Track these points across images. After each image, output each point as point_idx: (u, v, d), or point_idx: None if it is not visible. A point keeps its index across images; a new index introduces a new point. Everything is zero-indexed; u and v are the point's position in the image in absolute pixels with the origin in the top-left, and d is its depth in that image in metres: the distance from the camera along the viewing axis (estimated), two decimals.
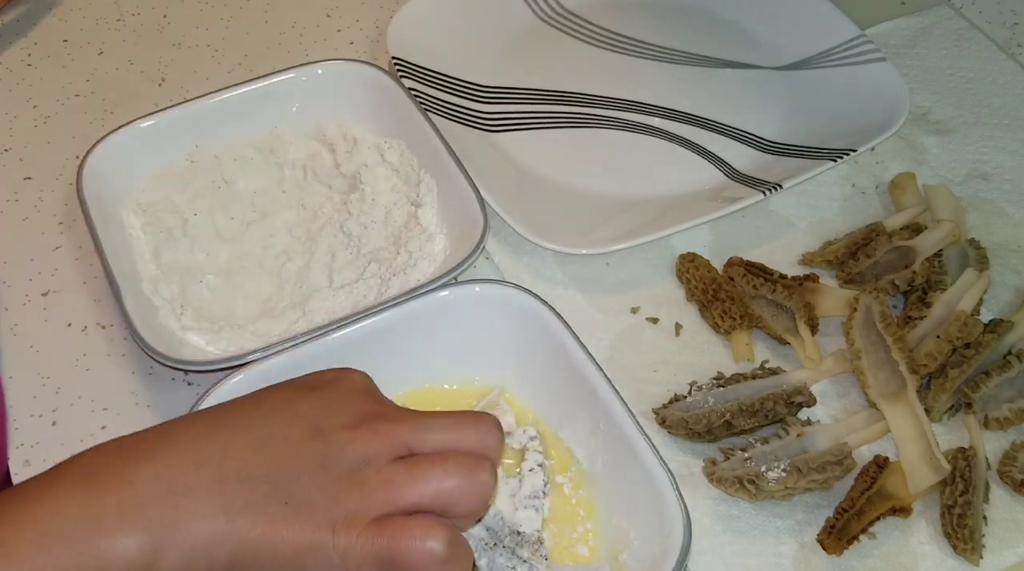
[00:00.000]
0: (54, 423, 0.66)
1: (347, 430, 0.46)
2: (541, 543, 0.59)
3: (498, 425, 0.50)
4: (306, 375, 0.51)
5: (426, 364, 0.65)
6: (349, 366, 0.52)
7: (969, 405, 0.66)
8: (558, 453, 0.64)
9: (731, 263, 0.73)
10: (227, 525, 0.43)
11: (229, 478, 0.44)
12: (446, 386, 0.66)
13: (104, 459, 0.46)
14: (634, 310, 0.72)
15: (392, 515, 0.45)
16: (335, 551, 0.44)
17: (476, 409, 0.65)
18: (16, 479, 0.63)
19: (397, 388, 0.65)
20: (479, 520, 0.59)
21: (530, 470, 0.62)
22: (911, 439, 0.63)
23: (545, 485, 0.62)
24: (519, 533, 0.59)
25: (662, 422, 0.65)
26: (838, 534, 0.60)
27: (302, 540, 0.44)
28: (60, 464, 0.46)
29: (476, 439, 0.48)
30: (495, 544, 0.59)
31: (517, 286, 0.65)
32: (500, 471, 0.62)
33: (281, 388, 0.50)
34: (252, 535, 0.44)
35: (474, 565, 0.58)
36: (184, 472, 0.44)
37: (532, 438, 0.63)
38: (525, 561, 0.58)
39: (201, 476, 0.44)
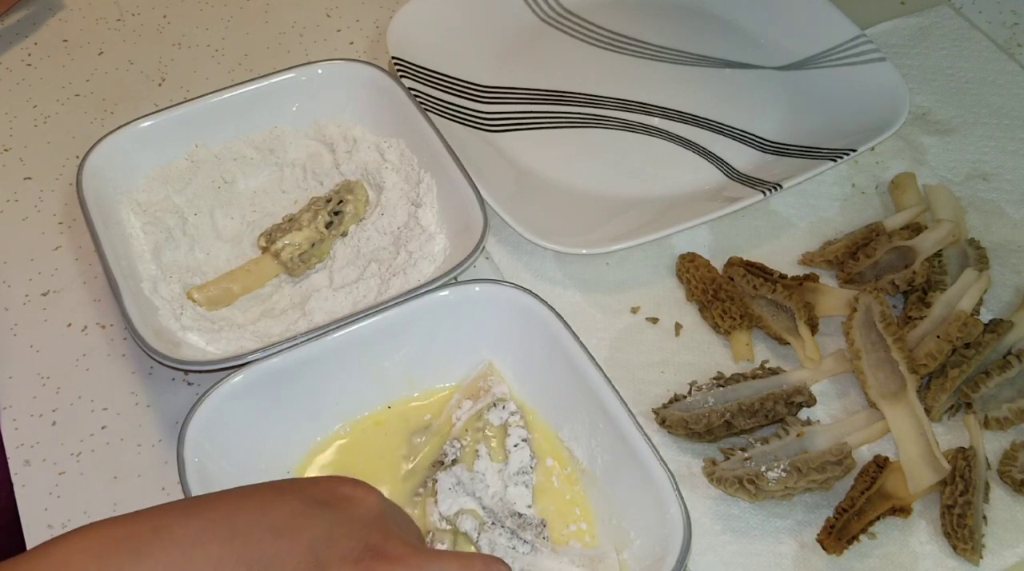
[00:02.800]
0: (54, 423, 0.66)
1: (346, 565, 0.44)
2: (544, 526, 0.59)
3: None
4: (320, 482, 0.48)
5: (426, 364, 0.65)
6: (369, 487, 0.48)
7: (969, 405, 0.66)
8: (558, 453, 0.64)
9: (731, 263, 0.73)
10: None
11: None
12: (446, 385, 0.66)
13: (88, 560, 0.42)
14: (634, 310, 0.72)
15: None
16: None
17: (466, 384, 0.65)
18: (16, 479, 0.63)
19: (397, 388, 0.65)
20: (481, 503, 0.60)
21: (515, 446, 0.62)
22: (911, 439, 0.63)
23: (532, 459, 0.62)
24: (520, 515, 0.60)
25: (662, 422, 0.65)
26: (838, 534, 0.60)
27: None
28: (41, 550, 0.42)
29: None
30: (493, 523, 0.59)
31: (517, 286, 0.65)
32: (485, 450, 0.63)
33: (291, 494, 0.46)
34: None
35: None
36: None
37: (512, 413, 0.64)
38: (527, 542, 0.58)
39: None
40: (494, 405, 0.64)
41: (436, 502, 0.60)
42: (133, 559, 0.41)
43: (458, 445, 0.63)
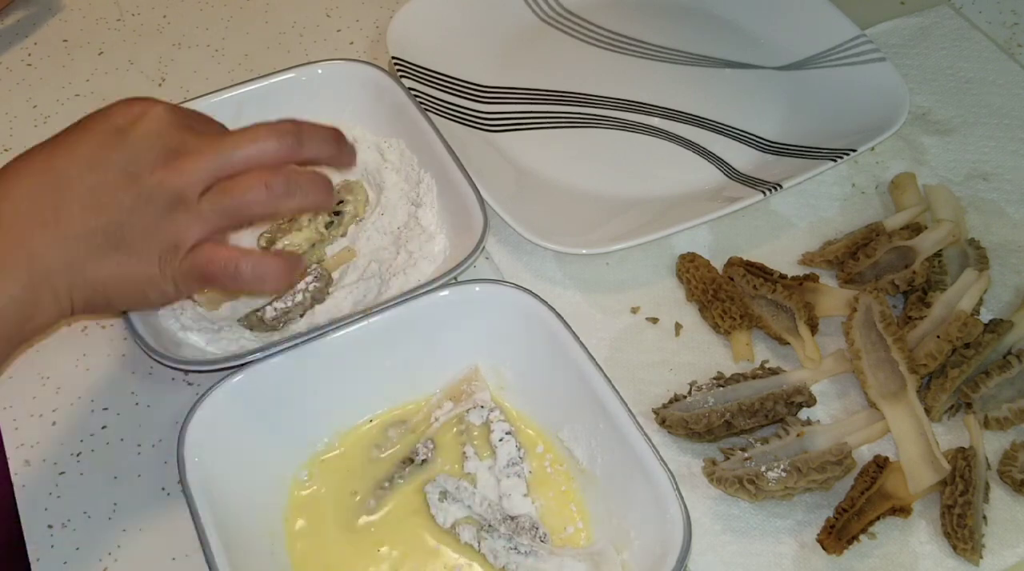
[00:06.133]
0: (54, 423, 0.66)
1: (155, 172, 0.52)
2: (537, 527, 0.59)
3: (294, 129, 0.54)
4: (111, 110, 0.54)
5: (426, 364, 0.65)
6: (153, 99, 0.55)
7: (969, 405, 0.66)
8: (558, 453, 0.64)
9: (731, 263, 0.73)
10: (78, 276, 0.52)
11: (69, 235, 0.51)
12: (441, 388, 0.66)
13: None
14: (634, 310, 0.72)
15: (204, 241, 0.53)
16: (164, 280, 0.53)
17: (450, 385, 0.66)
18: (16, 479, 0.63)
19: (398, 388, 0.65)
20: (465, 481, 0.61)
21: (500, 440, 0.63)
22: (911, 439, 0.63)
23: (519, 450, 0.62)
24: (514, 518, 0.60)
25: (662, 422, 0.65)
26: (838, 534, 0.60)
27: (136, 276, 0.53)
28: None
29: (278, 149, 0.54)
30: (490, 528, 0.59)
31: (517, 286, 0.65)
32: (471, 451, 0.63)
33: (90, 130, 0.54)
34: (98, 279, 0.52)
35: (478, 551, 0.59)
36: (32, 236, 0.51)
37: (492, 410, 0.64)
38: (525, 544, 0.58)
39: (47, 237, 0.51)
40: (472, 407, 0.64)
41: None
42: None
43: (431, 445, 0.63)
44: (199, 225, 0.53)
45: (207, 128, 0.56)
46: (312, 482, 0.62)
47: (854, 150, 0.76)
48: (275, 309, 0.67)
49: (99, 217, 0.52)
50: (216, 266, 0.53)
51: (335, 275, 0.71)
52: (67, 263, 0.52)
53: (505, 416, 0.64)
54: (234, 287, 0.54)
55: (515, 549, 0.58)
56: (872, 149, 0.80)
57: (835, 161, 0.75)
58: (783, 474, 0.61)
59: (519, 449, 0.63)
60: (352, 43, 0.90)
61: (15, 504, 0.62)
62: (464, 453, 0.63)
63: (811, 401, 0.65)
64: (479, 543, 0.59)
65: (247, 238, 0.74)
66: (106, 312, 0.57)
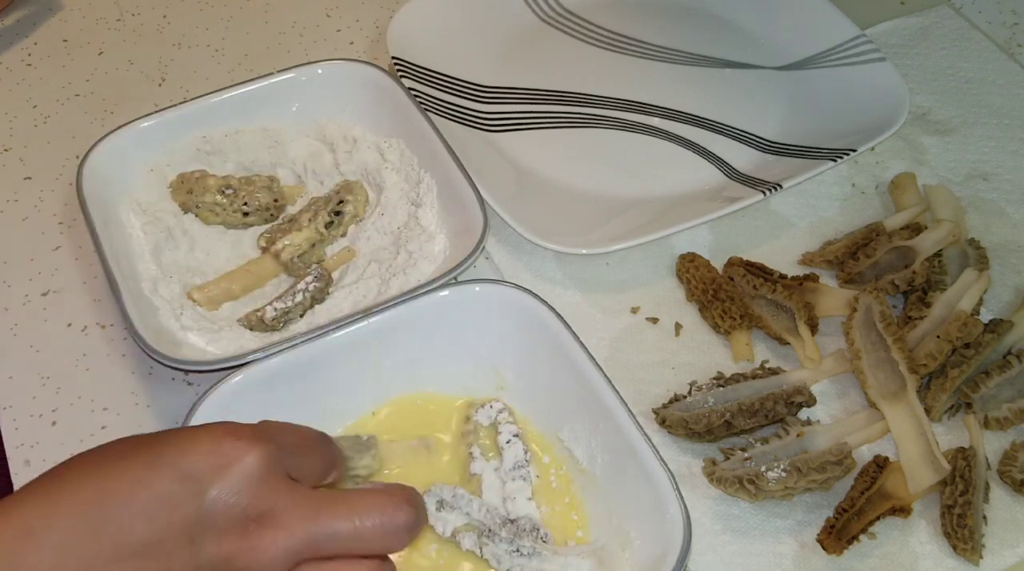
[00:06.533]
0: (54, 423, 0.66)
1: (223, 542, 0.41)
2: (537, 529, 0.59)
3: (413, 502, 0.44)
4: (194, 448, 0.43)
5: (426, 364, 0.65)
6: (252, 439, 0.43)
7: (969, 405, 0.66)
8: (557, 453, 0.64)
9: (731, 263, 0.73)
10: None
11: None
12: (443, 388, 0.66)
13: None
14: (634, 310, 0.72)
15: None
16: None
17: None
18: (16, 479, 0.63)
19: (397, 389, 0.65)
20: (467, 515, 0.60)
21: (507, 442, 0.63)
22: (911, 439, 0.63)
23: (526, 453, 0.62)
24: (512, 522, 0.59)
25: (662, 422, 0.65)
26: (838, 534, 0.60)
27: None
28: None
29: (380, 535, 0.43)
30: (491, 533, 0.59)
31: (517, 286, 0.65)
32: (477, 451, 0.63)
33: (164, 468, 0.42)
34: None
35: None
36: None
37: (500, 411, 0.64)
38: (528, 545, 0.58)
39: None
40: (481, 407, 0.64)
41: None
42: (6, 565, 0.40)
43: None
44: None
45: (311, 463, 0.45)
46: None
47: (854, 150, 0.76)
48: (275, 309, 0.67)
49: None
50: None
51: (335, 275, 0.71)
52: None
53: (513, 418, 0.64)
54: None
55: (518, 551, 0.58)
56: (872, 149, 0.80)
57: (835, 161, 0.75)
58: (783, 474, 0.61)
59: (526, 452, 0.62)
60: (352, 43, 0.90)
61: None
62: (471, 453, 0.63)
63: (811, 401, 0.65)
64: (481, 549, 0.58)
65: (247, 238, 0.74)
66: None
